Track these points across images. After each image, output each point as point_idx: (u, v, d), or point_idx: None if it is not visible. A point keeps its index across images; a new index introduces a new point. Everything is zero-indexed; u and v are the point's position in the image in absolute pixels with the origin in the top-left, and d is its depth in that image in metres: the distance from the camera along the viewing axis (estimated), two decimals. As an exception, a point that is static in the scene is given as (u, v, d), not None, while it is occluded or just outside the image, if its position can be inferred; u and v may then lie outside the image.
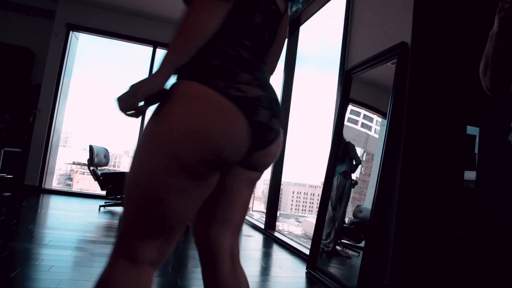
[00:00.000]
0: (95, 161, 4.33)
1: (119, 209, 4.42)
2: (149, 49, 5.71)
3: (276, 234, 3.82)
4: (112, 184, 4.31)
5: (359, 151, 2.57)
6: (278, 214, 4.24)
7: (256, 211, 5.95)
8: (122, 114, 0.74)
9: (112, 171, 4.75)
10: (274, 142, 0.85)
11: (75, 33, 5.48)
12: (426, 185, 1.99)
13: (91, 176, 4.42)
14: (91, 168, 4.32)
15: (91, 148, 4.34)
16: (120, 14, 5.53)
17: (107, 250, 2.57)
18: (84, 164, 5.55)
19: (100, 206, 4.33)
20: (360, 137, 2.55)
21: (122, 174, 4.46)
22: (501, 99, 1.31)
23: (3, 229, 2.85)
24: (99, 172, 4.31)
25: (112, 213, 4.21)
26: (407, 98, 2.06)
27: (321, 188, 2.65)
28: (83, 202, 4.75)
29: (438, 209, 1.98)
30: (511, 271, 1.10)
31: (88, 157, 4.37)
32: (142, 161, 0.76)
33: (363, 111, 2.59)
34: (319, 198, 2.67)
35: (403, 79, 2.09)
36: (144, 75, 5.94)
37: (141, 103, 0.73)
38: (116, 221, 3.79)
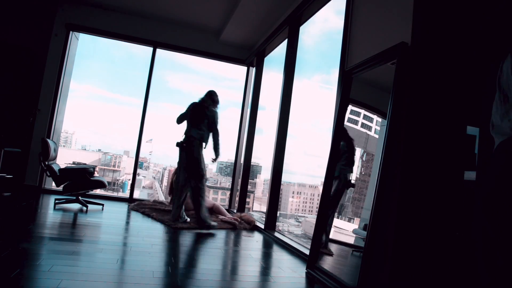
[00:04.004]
0: (51, 155, 4.12)
1: (73, 206, 4.25)
2: (149, 49, 5.71)
3: (276, 234, 3.82)
4: (70, 180, 4.10)
5: (359, 151, 2.57)
6: (278, 214, 4.24)
7: (256, 211, 5.94)
8: None
9: (68, 166, 4.44)
10: None
11: (75, 33, 5.48)
12: (426, 185, 1.99)
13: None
14: (46, 163, 4.11)
15: (45, 142, 4.11)
16: (120, 14, 5.53)
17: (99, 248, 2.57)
18: (84, 164, 5.46)
19: (56, 203, 4.11)
20: (360, 137, 2.55)
21: (82, 170, 4.22)
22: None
23: (3, 229, 2.85)
24: (55, 168, 4.14)
25: (64, 210, 4.00)
26: (407, 98, 2.06)
27: (321, 188, 2.65)
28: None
29: (438, 209, 1.99)
30: (511, 271, 1.10)
31: (41, 151, 4.13)
32: None
33: (363, 111, 2.59)
34: (319, 198, 2.67)
35: (403, 79, 2.09)
36: (144, 75, 5.92)
37: None
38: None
